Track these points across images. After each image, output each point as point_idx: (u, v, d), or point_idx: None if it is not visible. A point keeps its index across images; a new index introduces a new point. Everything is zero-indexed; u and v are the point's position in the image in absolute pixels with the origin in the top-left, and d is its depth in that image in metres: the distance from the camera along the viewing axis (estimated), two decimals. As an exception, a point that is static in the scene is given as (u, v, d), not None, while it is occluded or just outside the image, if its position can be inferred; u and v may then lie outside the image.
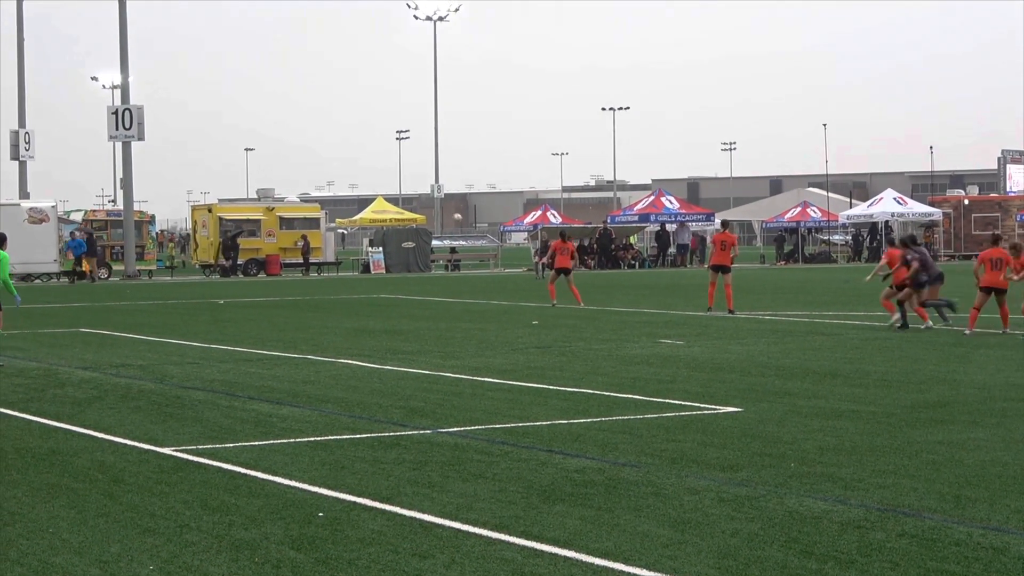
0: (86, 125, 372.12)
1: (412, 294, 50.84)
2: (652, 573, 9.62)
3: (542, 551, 10.23)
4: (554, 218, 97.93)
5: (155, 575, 9.76)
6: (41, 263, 65.66)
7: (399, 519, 11.34)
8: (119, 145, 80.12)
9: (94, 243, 68.65)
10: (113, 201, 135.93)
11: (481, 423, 16.70)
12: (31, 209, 67.80)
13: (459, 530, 10.91)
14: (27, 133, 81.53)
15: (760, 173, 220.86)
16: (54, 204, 70.81)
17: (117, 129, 73.13)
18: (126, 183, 74.89)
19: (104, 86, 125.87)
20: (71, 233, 65.12)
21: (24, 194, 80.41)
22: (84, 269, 65.66)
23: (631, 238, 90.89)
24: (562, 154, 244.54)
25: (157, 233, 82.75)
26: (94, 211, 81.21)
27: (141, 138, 73.46)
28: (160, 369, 23.52)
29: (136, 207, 75.54)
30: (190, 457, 14.47)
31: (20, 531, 11.11)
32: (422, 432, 16.00)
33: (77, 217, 77.52)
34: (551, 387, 20.20)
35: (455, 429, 16.20)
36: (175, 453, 14.75)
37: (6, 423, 17.32)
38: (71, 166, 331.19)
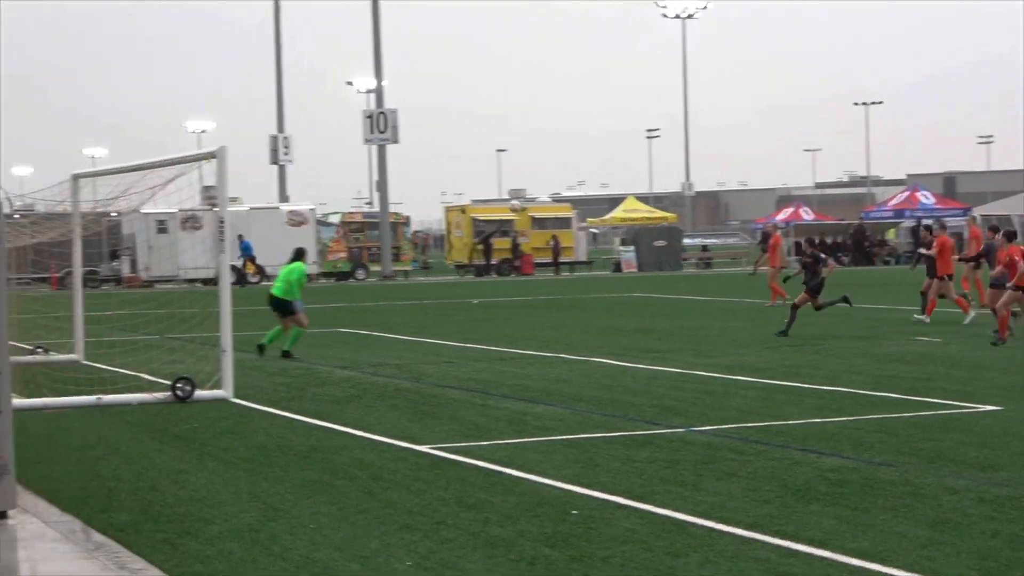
0: (342, 129, 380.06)
1: (664, 292, 50.76)
2: (909, 574, 9.49)
3: (797, 550, 10.17)
4: (807, 215, 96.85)
5: (413, 571, 9.93)
6: (302, 265, 66.84)
7: (652, 517, 11.36)
8: (374, 148, 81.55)
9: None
10: (370, 203, 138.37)
11: (734, 422, 16.63)
12: (291, 212, 69.38)
13: (713, 529, 10.89)
14: (286, 138, 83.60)
15: (1019, 166, 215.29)
16: (313, 207, 72.34)
17: (372, 132, 74.48)
18: (382, 185, 76.15)
19: (359, 91, 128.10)
20: (239, 236, 64.55)
21: (284, 197, 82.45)
22: (249, 270, 65.43)
23: (888, 233, 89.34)
24: (815, 150, 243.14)
25: (412, 234, 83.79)
26: (351, 213, 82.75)
27: (395, 141, 74.70)
28: (416, 368, 23.89)
29: (391, 208, 76.68)
30: (446, 455, 14.68)
31: (283, 526, 11.41)
32: (675, 431, 16.00)
33: (335, 219, 79.06)
34: (805, 385, 20.02)
35: (708, 428, 16.16)
36: (432, 451, 14.98)
37: (269, 421, 17.79)
38: (328, 170, 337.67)
